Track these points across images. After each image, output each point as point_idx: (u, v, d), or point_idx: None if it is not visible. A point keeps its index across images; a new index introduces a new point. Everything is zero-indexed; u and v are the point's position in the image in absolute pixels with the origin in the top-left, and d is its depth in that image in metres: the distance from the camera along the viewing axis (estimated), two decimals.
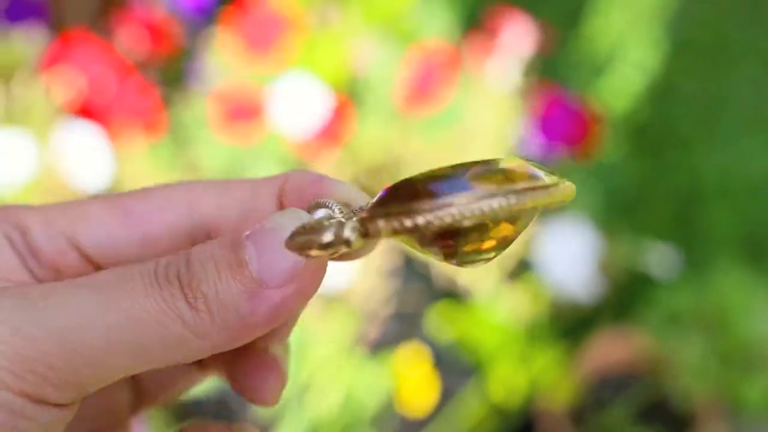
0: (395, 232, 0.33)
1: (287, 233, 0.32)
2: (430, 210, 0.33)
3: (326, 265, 0.34)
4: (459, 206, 0.33)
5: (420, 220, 0.33)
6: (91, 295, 0.30)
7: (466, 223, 0.33)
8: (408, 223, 0.33)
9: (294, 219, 0.33)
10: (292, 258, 0.32)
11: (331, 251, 0.33)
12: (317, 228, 0.33)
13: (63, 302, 0.30)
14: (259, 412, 1.22)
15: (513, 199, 0.34)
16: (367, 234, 0.33)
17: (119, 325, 0.30)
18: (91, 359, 0.30)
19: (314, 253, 0.33)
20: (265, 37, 1.24)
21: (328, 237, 0.32)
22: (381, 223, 0.33)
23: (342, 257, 0.36)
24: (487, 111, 1.27)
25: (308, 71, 1.24)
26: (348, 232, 0.32)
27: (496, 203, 0.34)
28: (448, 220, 0.33)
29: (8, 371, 0.29)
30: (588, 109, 1.30)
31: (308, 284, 0.33)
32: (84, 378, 0.30)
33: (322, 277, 0.34)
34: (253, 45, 1.24)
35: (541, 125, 1.24)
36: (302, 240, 0.33)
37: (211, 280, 0.31)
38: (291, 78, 1.23)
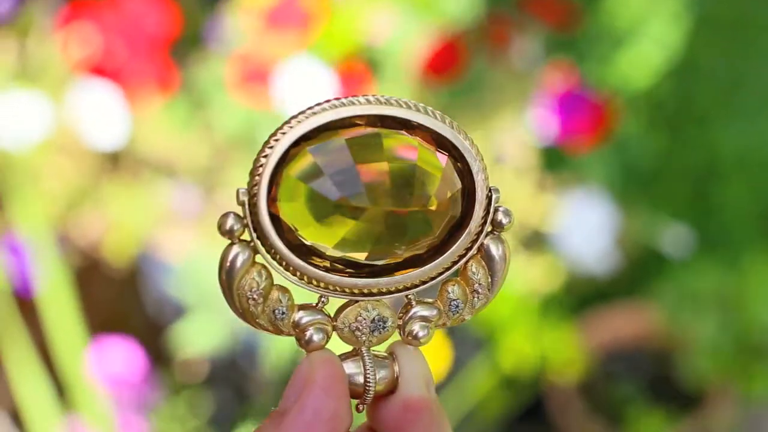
0: (253, 187, 0.33)
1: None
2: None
3: (339, 382, 0.34)
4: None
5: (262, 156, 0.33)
6: None
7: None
8: (257, 164, 0.33)
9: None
10: (300, 378, 0.34)
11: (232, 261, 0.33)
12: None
13: None
14: (267, 372, 1.21)
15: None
16: (251, 210, 0.33)
17: None
18: None
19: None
20: (287, 10, 1.23)
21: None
22: (241, 192, 0.33)
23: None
24: (506, 87, 1.25)
25: (325, 46, 1.23)
26: (229, 220, 0.33)
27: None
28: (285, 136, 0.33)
29: None
30: (606, 87, 1.28)
31: (325, 388, 0.33)
32: None
33: (340, 380, 0.34)
34: (274, 17, 1.23)
35: (559, 102, 1.23)
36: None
37: None
38: (305, 58, 1.22)
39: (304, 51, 1.22)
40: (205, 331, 1.19)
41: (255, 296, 0.33)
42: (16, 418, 1.15)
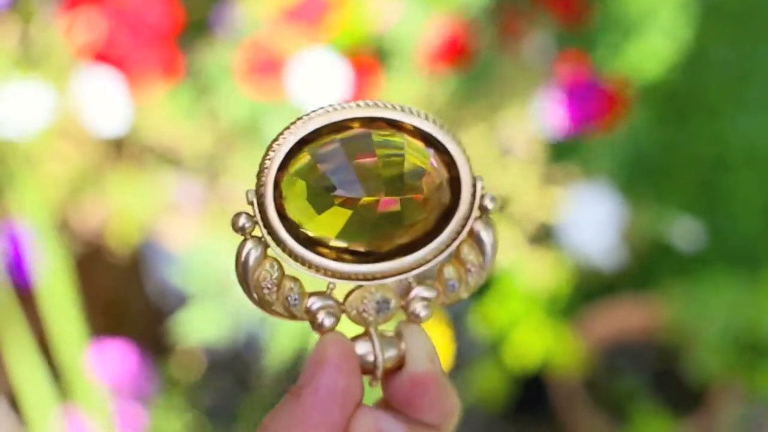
0: (259, 188, 0.37)
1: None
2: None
3: (349, 360, 0.37)
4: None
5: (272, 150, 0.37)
6: None
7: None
8: (263, 166, 0.37)
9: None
10: (315, 358, 0.37)
11: (245, 240, 0.37)
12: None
13: None
14: (271, 363, 1.21)
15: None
16: (260, 207, 0.37)
17: None
18: None
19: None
20: (308, 7, 1.22)
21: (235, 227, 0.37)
22: (250, 193, 0.37)
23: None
24: (515, 77, 1.24)
25: (336, 36, 1.22)
26: (241, 219, 0.37)
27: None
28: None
29: None
30: (615, 79, 1.27)
31: (336, 364, 0.37)
32: None
33: (350, 358, 0.37)
34: (294, 14, 1.22)
35: (568, 93, 1.22)
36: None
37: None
38: (316, 48, 1.21)
39: (316, 41, 1.21)
40: (207, 320, 1.18)
41: (269, 286, 0.37)
42: (14, 403, 1.15)
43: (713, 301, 1.28)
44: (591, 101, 1.21)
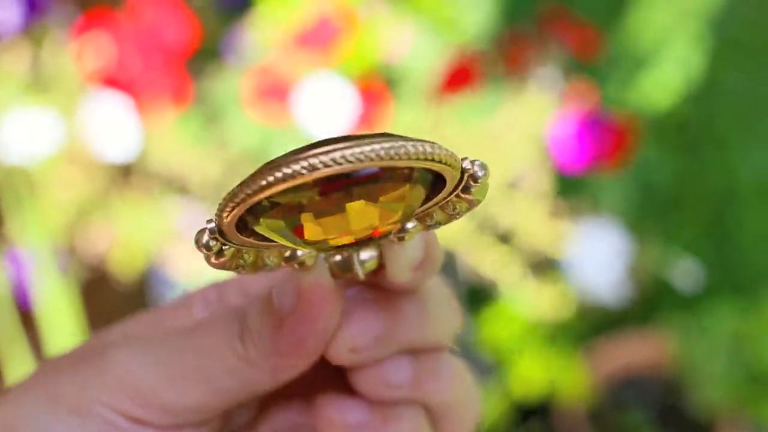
0: (234, 211, 0.29)
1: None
2: (276, 170, 0.28)
3: (331, 291, 0.35)
4: (309, 158, 0.28)
5: (262, 182, 0.28)
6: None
7: (317, 174, 0.28)
8: (245, 193, 0.29)
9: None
10: (294, 287, 0.35)
11: (216, 259, 0.32)
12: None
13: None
14: None
15: (381, 147, 0.28)
16: (220, 233, 0.31)
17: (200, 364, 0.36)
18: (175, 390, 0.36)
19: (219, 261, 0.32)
20: (318, 32, 1.22)
21: (196, 244, 0.31)
22: (226, 212, 0.30)
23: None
24: (522, 108, 1.24)
25: (346, 63, 1.22)
26: (205, 236, 0.31)
27: (355, 151, 0.28)
28: (299, 171, 0.28)
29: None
30: (626, 110, 1.27)
31: (315, 310, 0.35)
32: (172, 404, 0.36)
33: (330, 302, 0.35)
34: (304, 38, 1.22)
35: (577, 126, 1.21)
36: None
37: (255, 319, 0.36)
38: (325, 74, 1.21)
39: (325, 68, 1.21)
40: None
41: (244, 270, 0.33)
42: None
43: (718, 333, 1.28)
44: (600, 138, 1.21)
